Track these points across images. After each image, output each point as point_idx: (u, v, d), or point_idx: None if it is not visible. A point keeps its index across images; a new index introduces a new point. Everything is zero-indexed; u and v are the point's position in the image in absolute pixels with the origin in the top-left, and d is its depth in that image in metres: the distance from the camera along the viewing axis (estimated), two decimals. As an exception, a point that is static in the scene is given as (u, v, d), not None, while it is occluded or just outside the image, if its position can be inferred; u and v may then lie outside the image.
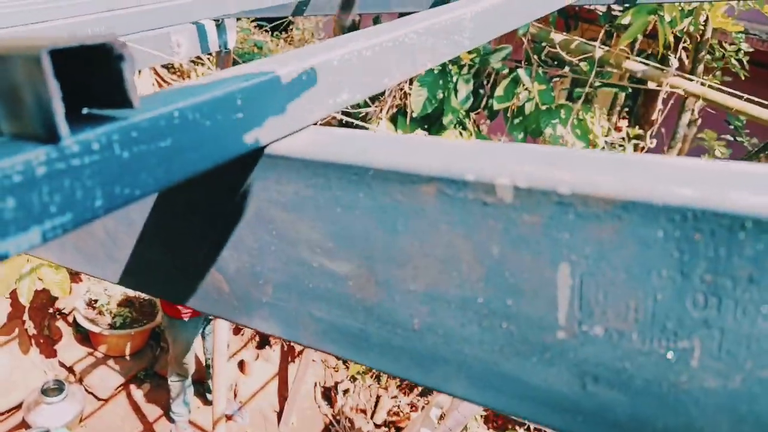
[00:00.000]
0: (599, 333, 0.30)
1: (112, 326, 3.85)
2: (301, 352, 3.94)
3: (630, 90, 3.36)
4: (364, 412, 3.82)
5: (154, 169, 0.31)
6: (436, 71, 2.98)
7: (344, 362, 4.07)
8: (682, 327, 0.28)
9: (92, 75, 0.30)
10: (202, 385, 3.88)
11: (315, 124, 0.39)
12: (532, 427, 3.27)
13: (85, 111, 0.30)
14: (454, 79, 2.96)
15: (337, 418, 3.70)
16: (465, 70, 2.98)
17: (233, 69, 0.38)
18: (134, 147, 0.30)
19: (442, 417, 2.73)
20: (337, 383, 3.98)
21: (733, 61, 3.36)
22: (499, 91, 2.96)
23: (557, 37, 3.08)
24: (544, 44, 3.17)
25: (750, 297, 0.26)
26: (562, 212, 0.29)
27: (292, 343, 4.18)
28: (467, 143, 0.34)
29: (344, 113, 3.26)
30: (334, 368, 4.06)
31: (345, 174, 0.34)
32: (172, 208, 0.44)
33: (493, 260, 0.32)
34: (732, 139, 3.74)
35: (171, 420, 3.70)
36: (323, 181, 0.35)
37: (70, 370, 3.88)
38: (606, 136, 2.98)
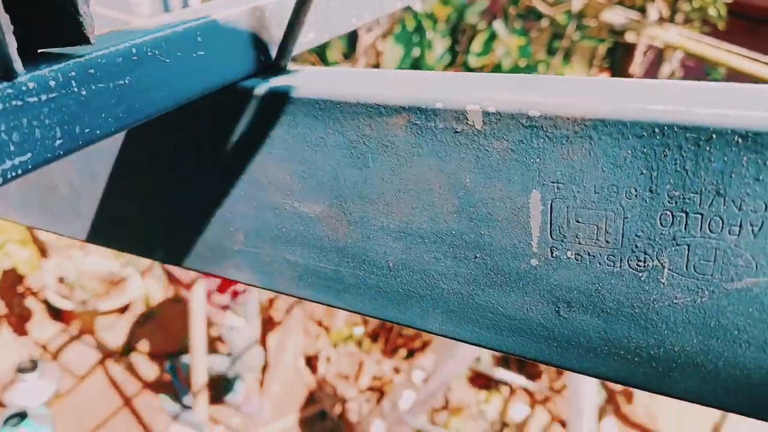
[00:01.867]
0: (571, 257, 0.30)
1: (84, 302, 3.80)
2: (280, 322, 3.95)
3: (609, 42, 3.35)
4: (347, 378, 3.86)
5: (114, 108, 0.30)
6: (410, 28, 2.93)
7: (326, 330, 4.09)
8: (651, 245, 0.28)
9: (47, 13, 0.29)
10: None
11: (286, 63, 0.38)
12: (514, 386, 3.34)
13: (40, 49, 0.29)
14: (430, 36, 2.91)
15: (321, 385, 3.73)
16: (440, 25, 2.93)
17: (194, 8, 0.37)
18: (92, 85, 0.29)
19: (425, 380, 2.77)
20: (318, 350, 4.01)
21: (711, 12, 3.35)
22: (476, 46, 2.91)
23: (534, -12, 3.03)
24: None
25: (716, 210, 0.26)
26: (532, 136, 0.28)
27: (270, 313, 4.18)
28: (435, 73, 0.33)
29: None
30: (315, 336, 4.08)
31: (312, 109, 0.34)
32: (136, 157, 0.43)
33: (465, 190, 0.32)
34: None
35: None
36: (290, 118, 0.35)
37: (44, 348, 3.84)
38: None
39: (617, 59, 3.89)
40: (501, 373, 2.61)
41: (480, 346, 0.36)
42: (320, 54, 3.28)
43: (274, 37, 0.38)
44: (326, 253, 0.39)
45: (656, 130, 0.26)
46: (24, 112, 0.26)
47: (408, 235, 0.35)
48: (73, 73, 0.28)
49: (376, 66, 3.19)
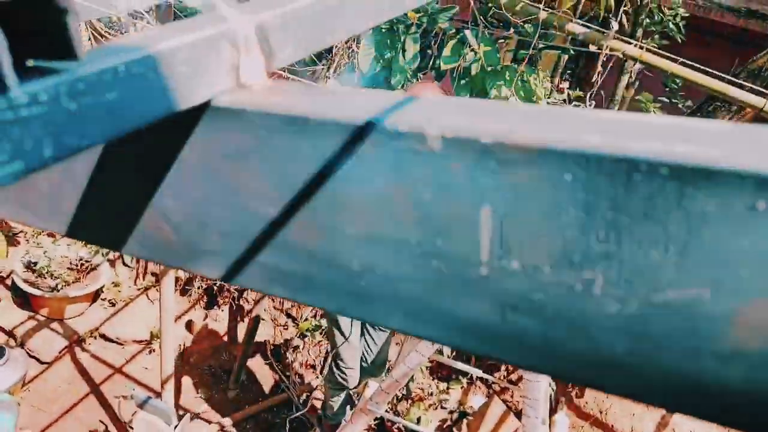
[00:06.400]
0: (516, 267, 0.34)
1: (53, 289, 3.76)
2: (250, 311, 3.96)
3: (572, 52, 3.45)
4: (313, 367, 3.89)
5: (101, 121, 0.32)
6: (383, 30, 2.97)
7: (294, 320, 4.11)
8: (586, 259, 0.31)
9: (37, 27, 0.31)
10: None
11: (262, 78, 0.40)
12: (474, 377, 3.41)
13: (30, 63, 0.31)
14: (402, 39, 2.96)
15: (287, 374, 3.76)
16: (412, 29, 2.98)
17: (177, 23, 0.39)
18: (81, 99, 0.31)
19: (389, 369, 2.82)
20: (287, 340, 4.03)
21: (671, 26, 3.47)
22: (446, 51, 2.97)
23: (503, -3, 3.10)
24: (490, 5, 3.19)
25: (643, 231, 0.30)
26: (484, 159, 0.32)
27: (240, 303, 4.18)
28: (401, 95, 0.36)
29: (291, 71, 3.24)
30: (283, 326, 4.10)
31: (287, 124, 0.36)
32: (117, 160, 0.45)
33: (424, 204, 0.35)
34: (668, 101, 3.90)
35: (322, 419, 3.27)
36: (265, 131, 0.37)
37: (10, 334, 3.79)
38: (548, 97, 3.06)
39: (580, 68, 4.00)
40: (461, 365, 2.67)
41: (436, 342, 0.39)
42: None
43: (251, 54, 0.40)
44: (296, 255, 0.42)
45: (592, 159, 0.29)
46: (16, 124, 0.28)
47: (372, 242, 0.38)
48: (64, 88, 0.30)
49: (351, 65, 3.22)
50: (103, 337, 3.96)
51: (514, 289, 0.34)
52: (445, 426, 3.39)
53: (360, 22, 0.47)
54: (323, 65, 3.25)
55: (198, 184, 0.42)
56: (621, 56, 2.88)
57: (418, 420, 3.19)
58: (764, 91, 2.53)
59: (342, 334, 2.75)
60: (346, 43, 3.14)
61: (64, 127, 0.30)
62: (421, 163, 0.33)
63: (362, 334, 2.86)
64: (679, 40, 3.30)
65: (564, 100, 3.27)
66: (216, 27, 0.37)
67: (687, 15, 3.44)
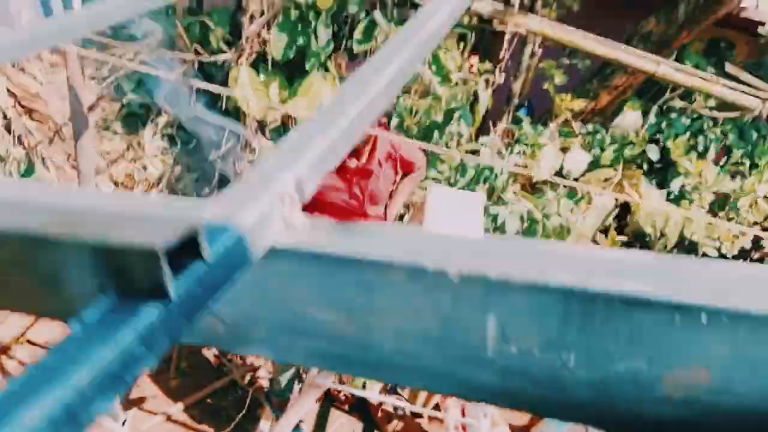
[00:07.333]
0: (514, 351, 0.48)
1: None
2: (182, 299, 3.96)
3: (479, 30, 3.62)
4: (252, 346, 3.96)
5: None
6: (293, 17, 3.01)
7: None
8: (563, 347, 0.46)
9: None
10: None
11: (300, 215, 0.51)
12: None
13: None
14: (314, 25, 3.02)
15: (228, 357, 3.83)
16: (323, 15, 3.04)
17: (232, 193, 0.49)
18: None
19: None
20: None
21: (567, -2, 3.69)
22: (358, 34, 3.06)
23: (407, -22, 3.20)
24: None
25: (602, 330, 0.44)
26: (491, 287, 0.45)
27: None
28: (425, 234, 0.48)
29: (200, 62, 3.21)
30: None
31: (328, 260, 0.48)
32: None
33: (445, 314, 0.48)
34: (568, 62, 4.18)
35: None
36: (316, 269, 0.49)
37: (-71, 352, 3.62)
38: (459, 71, 3.24)
39: (487, 45, 4.23)
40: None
41: (449, 395, 0.53)
42: (202, 41, 3.30)
43: (294, 204, 0.51)
44: (336, 343, 0.54)
45: (566, 293, 0.43)
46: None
47: (401, 336, 0.51)
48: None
49: (263, 53, 3.25)
50: (30, 342, 3.86)
51: (512, 365, 0.49)
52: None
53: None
54: (234, 53, 3.25)
55: (253, 296, 0.53)
56: (524, 32, 3.07)
57: (363, 385, 3.39)
58: (653, 56, 2.79)
59: None
60: (256, 29, 3.14)
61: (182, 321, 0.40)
62: (443, 290, 0.46)
63: None
64: (575, 9, 3.55)
65: (472, 74, 3.47)
66: (269, 189, 0.48)
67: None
